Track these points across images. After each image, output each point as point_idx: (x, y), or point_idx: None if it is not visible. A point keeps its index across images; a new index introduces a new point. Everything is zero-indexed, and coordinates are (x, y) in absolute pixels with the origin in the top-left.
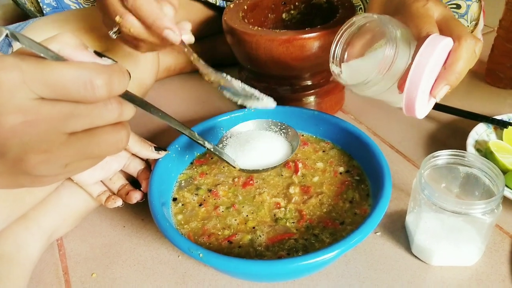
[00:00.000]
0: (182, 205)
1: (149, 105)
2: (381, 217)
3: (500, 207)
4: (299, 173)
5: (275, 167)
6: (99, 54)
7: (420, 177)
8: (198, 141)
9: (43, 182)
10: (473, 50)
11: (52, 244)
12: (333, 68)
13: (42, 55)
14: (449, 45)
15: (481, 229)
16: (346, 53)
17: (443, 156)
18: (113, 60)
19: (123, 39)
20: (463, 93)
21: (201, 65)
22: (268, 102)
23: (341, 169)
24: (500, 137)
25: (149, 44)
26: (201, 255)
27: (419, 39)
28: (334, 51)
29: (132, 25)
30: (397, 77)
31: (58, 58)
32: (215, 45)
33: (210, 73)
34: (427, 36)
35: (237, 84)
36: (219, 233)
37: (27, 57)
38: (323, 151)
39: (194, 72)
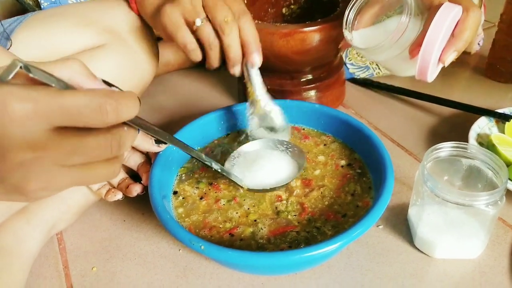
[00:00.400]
0: (183, 198)
1: (156, 129)
2: (383, 209)
3: (504, 198)
4: None
5: (282, 186)
6: (108, 84)
7: (423, 169)
8: (205, 162)
9: (35, 199)
10: (479, 21)
11: (51, 238)
12: (346, 33)
13: (53, 85)
14: (459, 14)
15: (484, 221)
16: (357, 21)
17: (446, 148)
18: (120, 90)
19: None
20: (464, 88)
21: (263, 89)
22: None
23: (343, 162)
24: (502, 131)
25: (218, 56)
26: (202, 247)
27: (432, 8)
28: (347, 17)
29: (235, 40)
30: (407, 44)
31: (68, 87)
32: None
33: (264, 100)
34: (440, 4)
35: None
36: (221, 226)
37: (39, 87)
38: (324, 145)
39: (192, 67)
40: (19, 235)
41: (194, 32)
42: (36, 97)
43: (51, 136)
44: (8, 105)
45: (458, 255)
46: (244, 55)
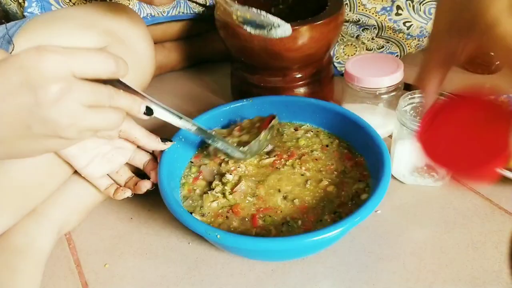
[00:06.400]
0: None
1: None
2: (382, 196)
3: None
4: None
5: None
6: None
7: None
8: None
9: (68, 140)
10: None
11: (60, 239)
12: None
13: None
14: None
15: None
16: None
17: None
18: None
19: None
20: (445, 80)
21: (226, 2)
22: (286, 29)
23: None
24: None
25: None
26: (218, 236)
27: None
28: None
29: None
30: None
31: None
32: (205, 42)
33: (236, 9)
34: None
35: (262, 13)
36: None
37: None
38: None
39: (184, 69)
40: (30, 235)
41: None
42: (63, 50)
43: (74, 79)
44: (43, 54)
45: None
46: None
